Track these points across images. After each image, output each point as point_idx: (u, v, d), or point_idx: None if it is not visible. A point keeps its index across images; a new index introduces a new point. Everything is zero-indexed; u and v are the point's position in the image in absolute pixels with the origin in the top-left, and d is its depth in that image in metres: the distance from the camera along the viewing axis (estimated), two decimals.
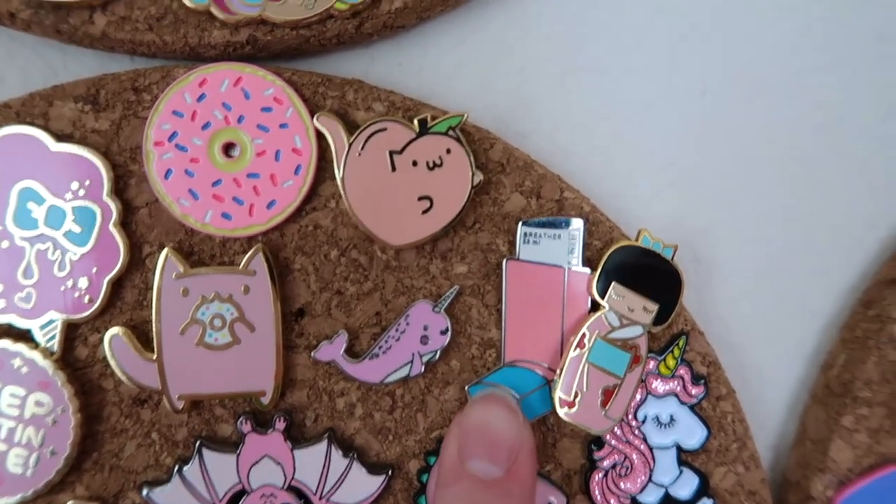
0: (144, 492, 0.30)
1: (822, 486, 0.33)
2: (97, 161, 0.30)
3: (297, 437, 0.31)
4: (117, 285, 0.30)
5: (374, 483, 0.31)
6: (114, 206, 0.30)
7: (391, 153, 0.30)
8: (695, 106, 0.34)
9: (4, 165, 0.29)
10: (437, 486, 0.29)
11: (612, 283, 0.31)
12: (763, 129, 0.35)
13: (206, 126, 0.30)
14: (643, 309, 0.31)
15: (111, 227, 0.30)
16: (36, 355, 0.29)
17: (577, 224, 0.32)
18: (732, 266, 0.36)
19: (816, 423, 0.34)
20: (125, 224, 0.30)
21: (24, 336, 0.30)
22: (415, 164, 0.30)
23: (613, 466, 0.32)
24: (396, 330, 0.31)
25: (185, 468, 0.30)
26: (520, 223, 0.31)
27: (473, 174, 0.31)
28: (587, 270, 0.32)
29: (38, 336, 0.30)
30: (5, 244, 0.29)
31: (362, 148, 0.30)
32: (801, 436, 0.35)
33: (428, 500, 0.31)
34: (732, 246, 0.35)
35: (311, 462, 0.31)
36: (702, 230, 0.35)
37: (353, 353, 0.31)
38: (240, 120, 0.30)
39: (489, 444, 0.28)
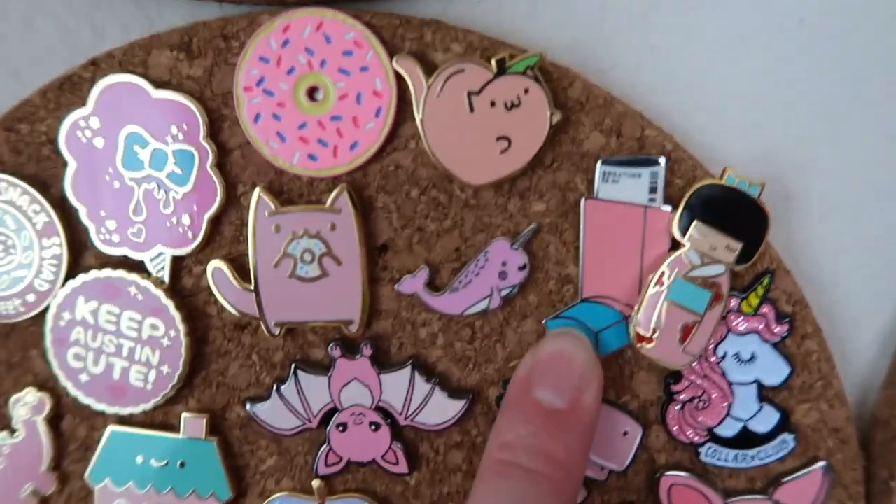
0: (248, 406, 0.34)
1: None
2: (193, 106, 0.31)
3: (384, 362, 0.33)
4: (216, 222, 0.33)
5: (456, 406, 0.33)
6: (210, 149, 0.32)
7: (469, 94, 0.31)
8: (790, 38, 0.32)
9: (112, 111, 0.32)
10: (503, 404, 0.30)
11: (694, 222, 0.31)
12: (865, 63, 0.32)
13: (290, 71, 0.31)
14: (726, 248, 0.31)
15: (208, 168, 0.32)
16: (149, 284, 0.33)
17: (659, 163, 0.31)
18: (827, 205, 0.34)
19: None
20: (220, 165, 0.32)
21: (138, 267, 0.33)
22: (493, 104, 0.31)
23: (690, 400, 0.33)
24: (476, 265, 0.32)
25: (283, 387, 0.33)
26: (599, 161, 0.31)
27: (552, 114, 0.30)
28: (668, 209, 0.31)
29: (150, 267, 0.33)
30: (116, 184, 0.32)
31: (441, 89, 0.31)
32: (893, 374, 0.34)
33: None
34: (828, 184, 0.34)
35: (396, 385, 0.33)
36: (795, 166, 0.34)
37: (434, 286, 0.33)
38: (322, 64, 0.31)
39: (558, 375, 0.29)
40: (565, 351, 0.30)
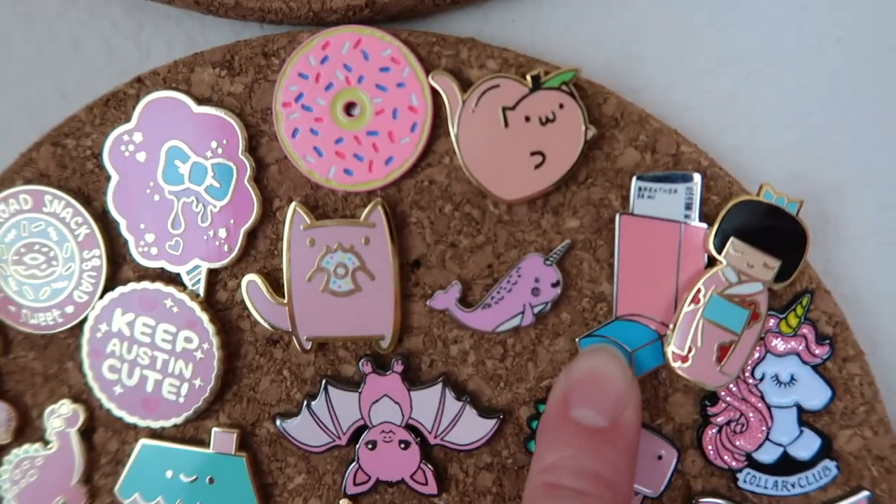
0: (278, 422, 0.33)
1: None
2: (233, 121, 0.32)
3: (414, 379, 0.33)
4: (251, 236, 0.33)
5: (486, 426, 0.32)
6: (248, 163, 0.32)
7: (504, 109, 0.31)
8: (826, 58, 0.32)
9: (155, 126, 0.33)
10: (539, 429, 0.30)
11: (731, 239, 0.30)
12: None
13: (328, 87, 0.32)
14: (763, 265, 0.30)
15: (246, 182, 0.32)
16: (184, 297, 0.33)
17: (695, 179, 0.31)
18: (863, 226, 0.34)
19: None
20: (257, 180, 0.33)
21: (174, 280, 0.33)
22: (527, 119, 0.31)
23: (728, 423, 0.32)
24: (508, 281, 0.32)
25: (313, 403, 0.33)
26: (634, 177, 0.31)
27: (587, 129, 0.31)
28: (704, 226, 0.31)
29: (186, 280, 0.33)
30: (157, 198, 0.33)
31: (476, 104, 0.31)
32: None
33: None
34: (863, 205, 0.33)
35: (426, 403, 0.33)
36: (831, 187, 0.33)
37: (466, 302, 0.32)
38: (360, 80, 0.32)
39: (596, 394, 0.29)
40: (601, 368, 0.29)
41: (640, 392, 0.29)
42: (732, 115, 0.33)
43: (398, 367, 0.32)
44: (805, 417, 0.31)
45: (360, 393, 0.33)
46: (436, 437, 0.33)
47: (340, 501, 0.34)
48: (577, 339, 0.32)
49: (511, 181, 0.31)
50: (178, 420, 0.34)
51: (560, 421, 0.29)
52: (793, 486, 0.32)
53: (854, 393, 0.31)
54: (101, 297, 0.34)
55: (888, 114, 0.33)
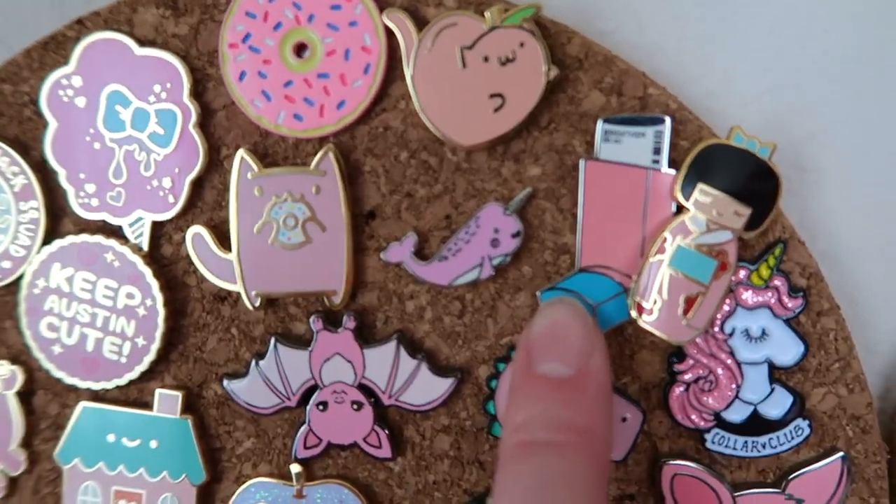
0: (225, 383, 0.32)
1: None
2: (177, 64, 0.31)
3: (368, 337, 0.31)
4: (198, 186, 0.31)
5: (443, 385, 0.31)
6: (193, 108, 0.31)
7: (462, 49, 0.29)
8: (803, 1, 0.31)
9: (95, 70, 0.31)
10: (509, 392, 0.28)
11: (699, 185, 0.29)
12: (884, 27, 0.31)
13: (277, 27, 0.30)
14: (734, 213, 0.29)
15: (191, 129, 0.31)
16: (126, 250, 0.31)
17: (664, 121, 0.29)
18: (844, 176, 0.32)
19: None
20: (204, 126, 0.31)
21: (116, 232, 0.32)
22: (486, 59, 0.29)
23: (696, 381, 0.30)
24: (466, 232, 0.30)
25: (262, 362, 0.31)
26: (600, 120, 0.30)
27: (548, 69, 0.29)
28: (672, 172, 0.29)
29: (128, 233, 0.32)
30: (97, 145, 0.31)
31: (432, 44, 0.29)
32: None
33: (497, 406, 0.31)
34: (844, 154, 0.32)
35: (380, 362, 0.31)
36: (809, 136, 0.32)
37: (422, 255, 0.31)
38: (310, 19, 0.30)
39: (559, 346, 0.27)
40: (560, 320, 0.28)
41: (604, 340, 0.28)
42: (706, 59, 0.32)
43: (351, 324, 0.31)
44: (777, 375, 0.30)
45: (310, 351, 0.31)
46: (390, 398, 0.31)
47: (291, 466, 0.32)
48: (537, 293, 0.30)
49: (469, 125, 0.30)
50: (121, 381, 0.32)
51: (526, 379, 0.27)
52: (763, 446, 0.30)
53: (828, 348, 0.30)
54: (39, 251, 0.32)
55: (867, 59, 0.31)
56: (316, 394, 0.31)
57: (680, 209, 0.29)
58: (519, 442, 0.26)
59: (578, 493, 0.24)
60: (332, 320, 0.31)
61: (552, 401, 0.26)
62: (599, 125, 0.29)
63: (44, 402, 0.33)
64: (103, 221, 0.32)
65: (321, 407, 0.31)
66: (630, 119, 0.29)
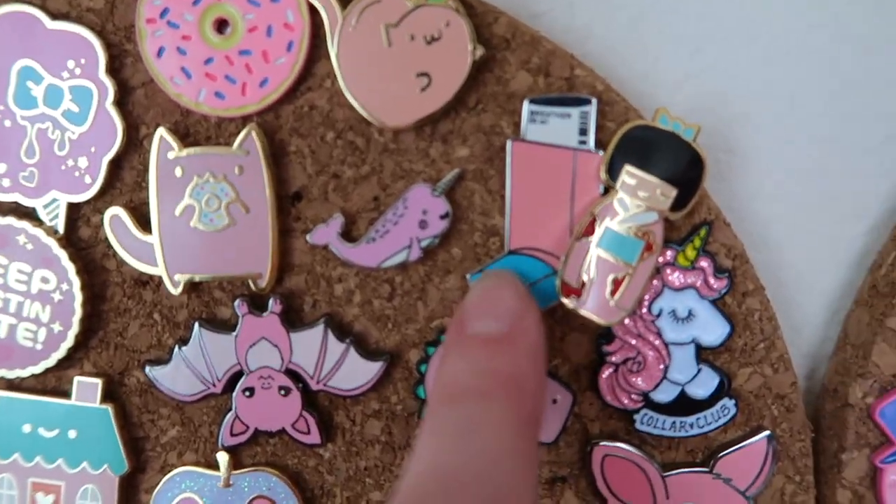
0: (147, 370, 0.31)
1: (862, 393, 0.31)
2: (92, 39, 0.29)
3: (295, 321, 0.31)
4: (116, 166, 0.30)
5: (372, 369, 0.30)
6: (110, 85, 0.29)
7: (387, 27, 0.29)
8: None
9: (4, 44, 0.30)
10: (440, 360, 0.27)
11: (625, 166, 0.29)
12: (810, 8, 0.31)
13: (196, 2, 0.29)
14: (659, 193, 0.29)
15: (108, 107, 0.30)
16: (39, 232, 0.30)
17: (590, 101, 0.29)
18: (771, 160, 0.32)
19: (859, 326, 0.31)
20: (122, 105, 0.30)
21: (30, 214, 0.30)
22: (412, 38, 0.29)
23: (624, 362, 0.30)
24: (394, 213, 0.30)
25: (185, 348, 0.30)
26: (526, 100, 0.29)
27: (474, 48, 0.29)
28: (600, 153, 0.29)
29: (42, 215, 0.30)
30: (7, 123, 0.30)
31: (356, 22, 0.29)
32: (842, 341, 0.32)
33: (427, 390, 0.31)
34: (772, 138, 0.32)
35: (307, 346, 0.30)
36: (738, 119, 0.32)
37: (350, 238, 0.30)
38: None
39: (491, 308, 0.27)
40: (492, 288, 0.27)
41: (537, 306, 0.27)
42: (635, 42, 0.32)
43: (277, 308, 0.30)
44: (704, 355, 0.30)
45: (236, 336, 0.30)
46: (318, 383, 0.31)
47: (217, 454, 0.31)
48: (467, 275, 0.30)
49: (396, 105, 0.29)
50: (36, 369, 0.31)
51: (457, 340, 0.27)
52: (691, 426, 0.30)
53: (754, 329, 0.30)
54: None
55: (797, 43, 0.32)
56: (242, 379, 0.31)
57: (607, 190, 0.29)
58: (445, 392, 0.25)
59: (504, 439, 0.23)
60: (257, 304, 0.31)
61: (482, 354, 0.26)
62: (526, 105, 0.29)
63: None
64: (15, 203, 0.30)
65: (247, 393, 0.31)
66: (556, 99, 0.29)
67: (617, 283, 0.29)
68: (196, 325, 0.30)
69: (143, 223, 0.30)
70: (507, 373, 0.25)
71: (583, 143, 0.29)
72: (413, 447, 0.27)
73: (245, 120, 0.30)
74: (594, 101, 0.29)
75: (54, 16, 0.29)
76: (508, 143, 0.29)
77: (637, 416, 0.30)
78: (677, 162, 0.29)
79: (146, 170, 0.30)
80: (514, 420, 0.24)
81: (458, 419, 0.24)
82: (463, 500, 0.21)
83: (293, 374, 0.31)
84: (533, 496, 0.24)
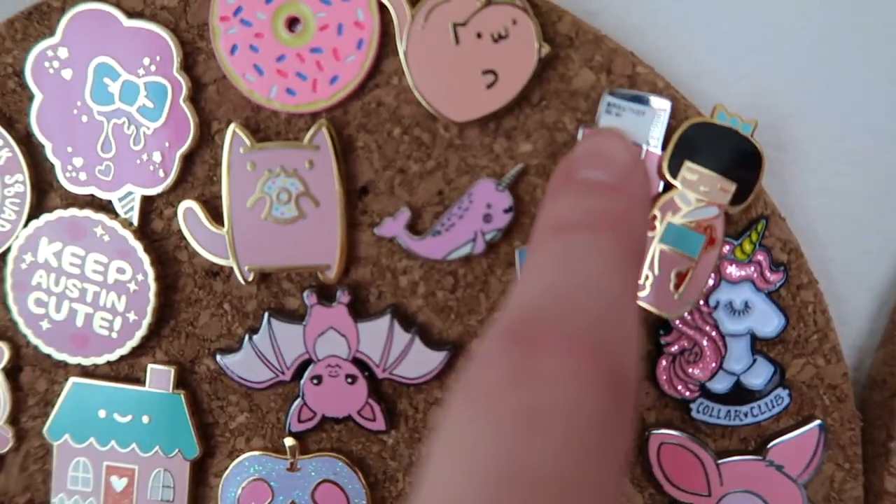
0: (218, 358, 0.32)
1: None
2: (167, 36, 0.30)
3: (362, 312, 0.32)
4: (188, 160, 0.31)
5: (437, 358, 0.31)
6: (183, 82, 0.30)
7: (455, 25, 0.29)
8: None
9: (82, 41, 0.30)
10: (543, 203, 0.26)
11: (685, 162, 0.30)
12: (865, 5, 0.32)
13: (269, 0, 0.30)
14: (719, 189, 0.30)
15: (181, 102, 0.30)
16: (116, 224, 0.31)
17: (664, 102, 0.30)
18: (822, 156, 0.33)
19: None
20: (195, 101, 0.31)
21: (105, 207, 0.31)
22: (479, 35, 0.30)
23: (682, 352, 0.31)
24: (459, 207, 0.31)
25: (255, 337, 0.31)
26: (606, 92, 0.30)
27: (540, 46, 0.29)
28: (658, 151, 0.30)
29: (118, 207, 0.31)
30: (85, 118, 0.31)
31: (425, 20, 0.29)
32: (889, 333, 0.33)
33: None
34: (823, 134, 0.33)
35: (374, 336, 0.31)
36: (789, 116, 0.33)
37: (415, 230, 0.31)
38: None
39: (602, 159, 0.25)
40: (603, 141, 0.25)
41: (648, 168, 0.26)
42: (689, 41, 0.32)
43: (344, 298, 0.31)
44: (758, 346, 0.31)
45: (304, 326, 0.31)
46: (384, 371, 0.32)
47: (285, 440, 0.32)
48: (516, 249, 0.31)
49: (462, 102, 0.30)
50: (112, 357, 0.32)
51: (564, 182, 0.25)
52: (745, 415, 0.31)
53: (807, 321, 0.31)
54: (26, 225, 0.31)
55: (847, 40, 0.32)
56: (310, 368, 0.32)
57: (667, 187, 0.30)
58: (550, 225, 0.24)
59: (613, 266, 0.22)
60: (325, 295, 0.31)
61: (591, 195, 0.24)
62: (604, 97, 0.30)
63: (31, 378, 0.33)
64: (92, 196, 0.31)
65: (315, 381, 0.32)
66: (634, 96, 0.30)
67: (681, 277, 0.30)
68: (266, 314, 0.31)
69: (215, 216, 0.31)
70: (616, 214, 0.24)
71: (652, 142, 0.30)
72: (516, 282, 0.25)
73: (314, 116, 0.31)
74: (668, 102, 0.30)
75: (130, 14, 0.30)
76: (580, 132, 0.30)
77: (693, 406, 0.31)
78: (736, 157, 0.30)
79: (217, 164, 0.31)
80: (622, 254, 0.23)
81: (565, 246, 0.23)
82: (574, 314, 0.21)
83: (360, 363, 0.32)
84: (638, 322, 0.22)
